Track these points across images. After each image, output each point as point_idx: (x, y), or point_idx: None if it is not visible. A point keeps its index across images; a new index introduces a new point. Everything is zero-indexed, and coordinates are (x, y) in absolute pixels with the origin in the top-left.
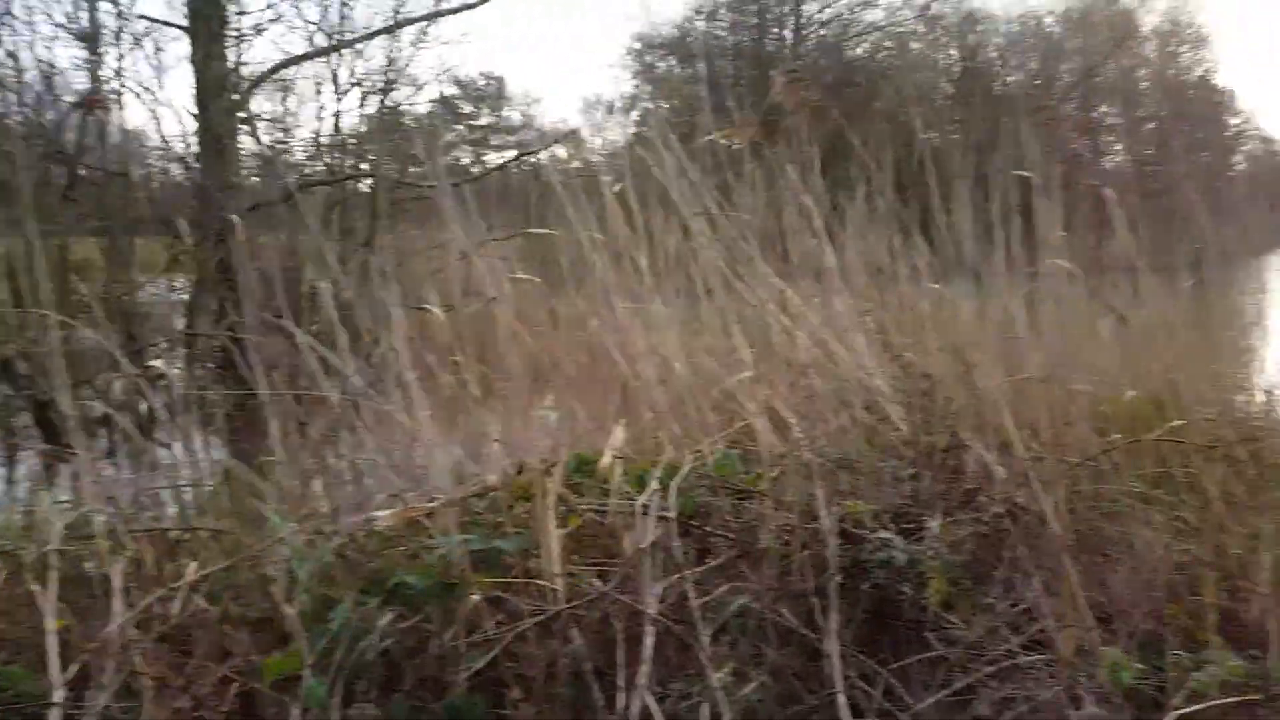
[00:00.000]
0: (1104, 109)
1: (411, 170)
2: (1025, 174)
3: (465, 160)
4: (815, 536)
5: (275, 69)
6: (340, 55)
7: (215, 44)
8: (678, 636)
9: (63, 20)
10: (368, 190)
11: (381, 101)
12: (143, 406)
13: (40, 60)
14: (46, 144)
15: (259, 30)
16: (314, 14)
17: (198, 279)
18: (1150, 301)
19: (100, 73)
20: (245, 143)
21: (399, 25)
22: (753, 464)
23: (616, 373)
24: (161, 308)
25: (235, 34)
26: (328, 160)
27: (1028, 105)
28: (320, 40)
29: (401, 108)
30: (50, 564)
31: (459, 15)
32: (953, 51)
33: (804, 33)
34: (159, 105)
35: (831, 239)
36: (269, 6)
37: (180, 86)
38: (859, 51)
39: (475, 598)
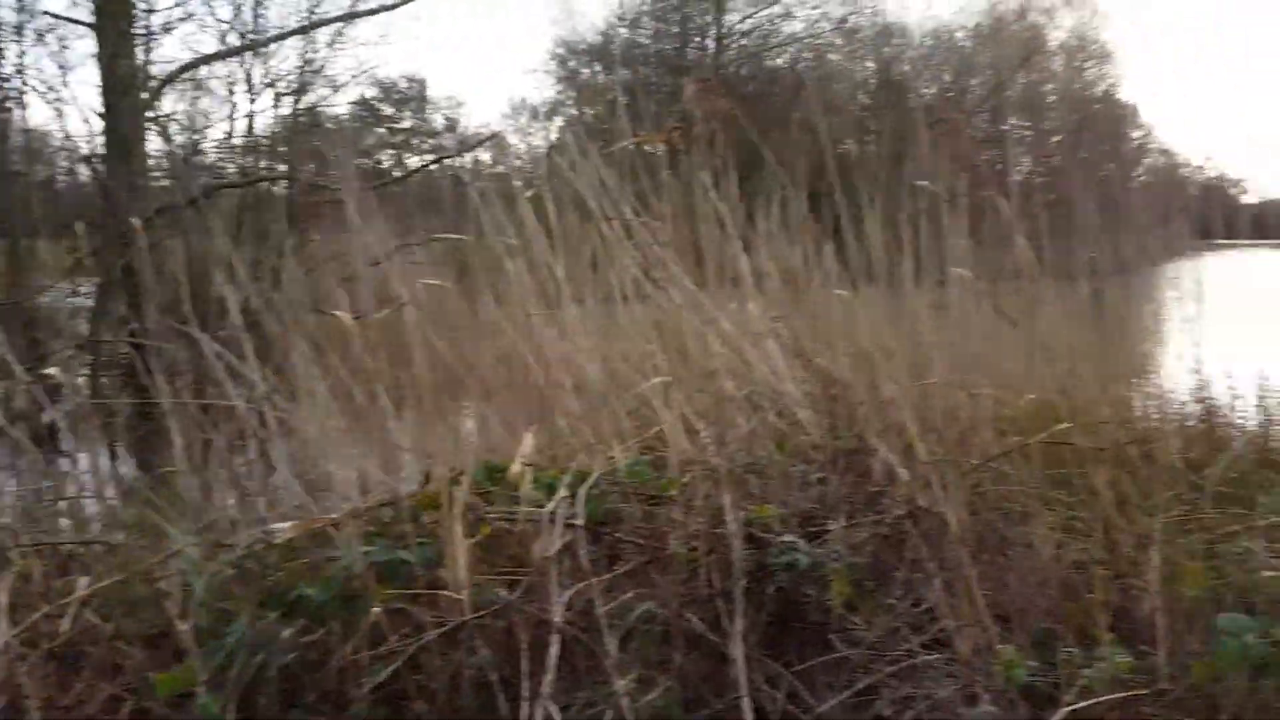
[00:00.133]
0: (1013, 121)
1: (331, 173)
2: (926, 185)
3: (387, 163)
4: (722, 541)
5: (185, 68)
6: (254, 55)
7: (123, 41)
8: (585, 644)
9: None
10: (282, 193)
11: (295, 103)
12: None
13: None
14: None
15: (168, 28)
16: (226, 13)
17: (101, 283)
18: (1048, 308)
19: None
20: (155, 144)
21: (313, 26)
22: (665, 470)
23: (531, 379)
24: (66, 313)
25: (144, 32)
26: (240, 162)
27: (940, 117)
28: (233, 40)
29: (319, 110)
30: None
31: (379, 17)
32: (869, 64)
33: (725, 42)
34: (64, 104)
35: (746, 246)
36: (178, 4)
37: (86, 85)
38: (779, 62)
39: (377, 610)
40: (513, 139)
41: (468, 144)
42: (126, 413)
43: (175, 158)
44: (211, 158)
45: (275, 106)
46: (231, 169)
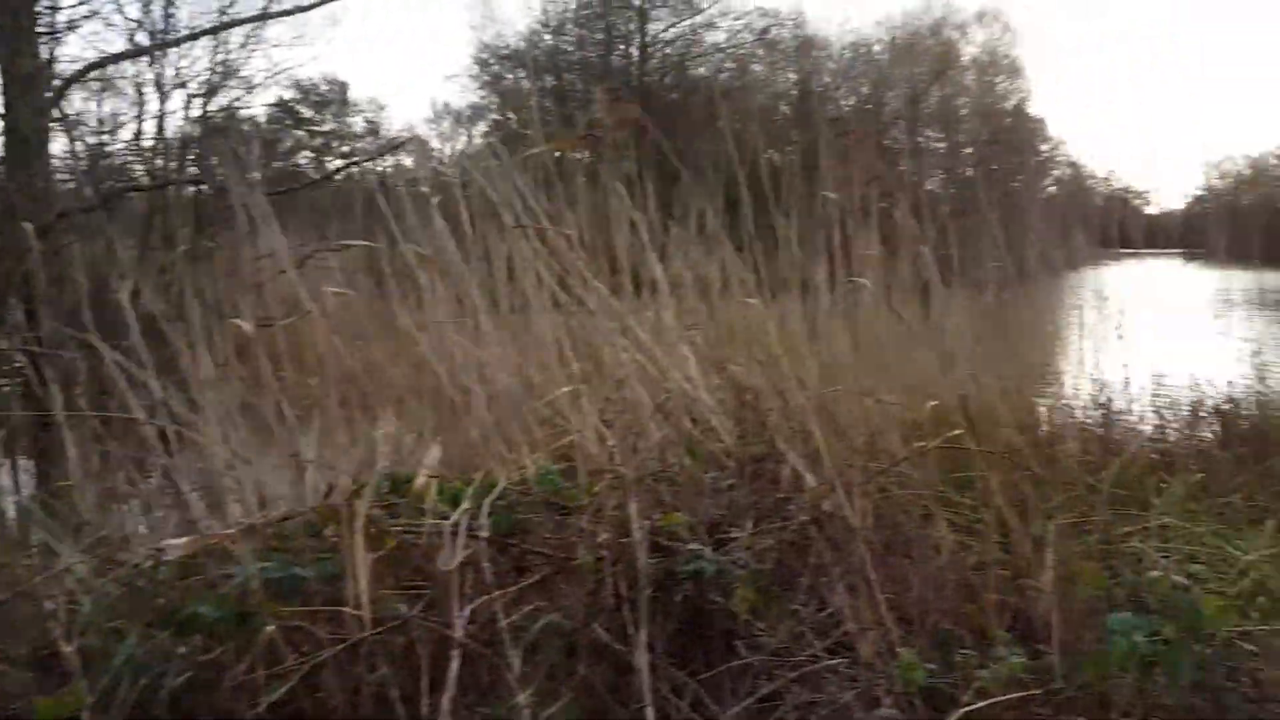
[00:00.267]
0: (929, 134)
1: (239, 177)
2: (832, 196)
3: (306, 166)
4: (628, 550)
5: (91, 68)
6: (164, 55)
7: (24, 37)
8: (488, 659)
9: None
10: (192, 198)
11: (204, 104)
12: None
13: None
14: None
15: (72, 26)
16: (135, 12)
17: None
18: (954, 315)
19: None
20: (60, 145)
21: (225, 26)
22: (576, 478)
23: (441, 389)
24: None
25: (48, 29)
26: (150, 166)
27: (847, 129)
28: (142, 39)
29: (234, 111)
30: None
31: (297, 18)
32: (791, 75)
33: (649, 51)
34: None
35: (663, 254)
36: (82, 2)
37: None
38: (702, 71)
39: (271, 627)
40: (436, 144)
41: (382, 148)
42: (24, 425)
43: (80, 160)
44: (119, 160)
45: (186, 108)
46: (140, 172)
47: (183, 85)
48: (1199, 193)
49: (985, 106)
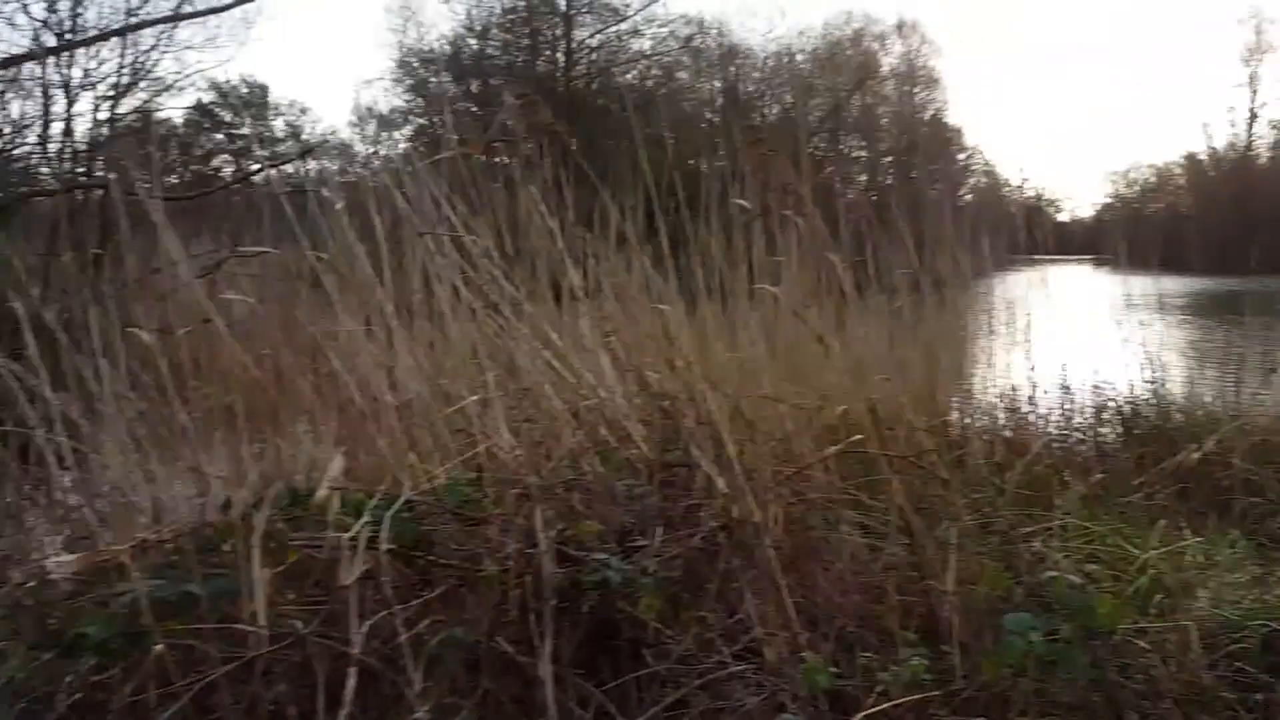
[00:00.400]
0: (851, 142)
1: (146, 181)
2: (744, 204)
3: (226, 171)
4: (534, 561)
5: None
6: (71, 56)
7: None
8: (387, 674)
9: None
10: (101, 202)
11: (113, 107)
12: None
13: None
14: None
15: None
16: (40, 11)
17: None
18: (870, 320)
19: None
20: None
21: (135, 27)
22: (487, 488)
23: (350, 398)
24: None
25: None
26: (56, 169)
27: (759, 136)
28: (48, 39)
29: (149, 114)
30: None
31: (210, 19)
32: (715, 83)
33: (575, 57)
34: None
35: (581, 260)
36: None
37: None
38: (629, 78)
39: (159, 647)
40: (360, 148)
41: (296, 152)
42: None
43: None
44: (25, 163)
45: (96, 110)
46: (47, 175)
47: (92, 87)
48: (1108, 200)
49: (904, 116)
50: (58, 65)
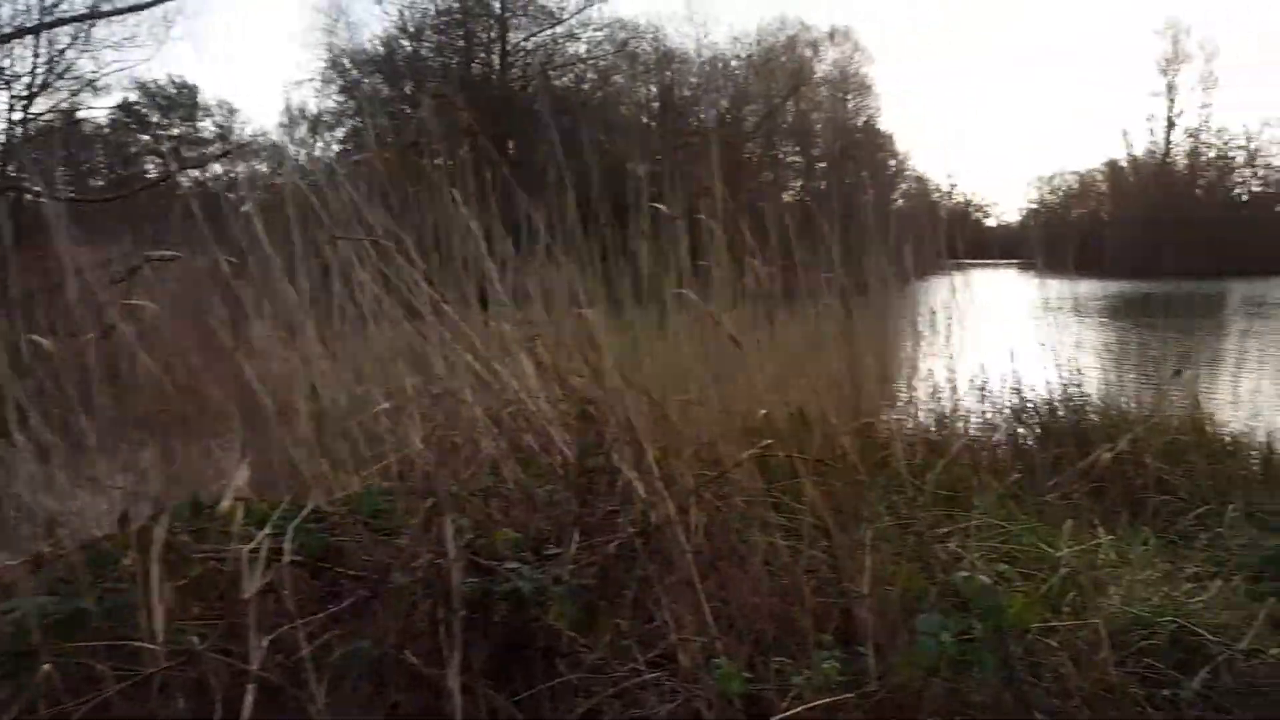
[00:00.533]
0: (786, 148)
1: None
2: (663, 209)
3: (171, 169)
4: (443, 571)
5: None
6: None
7: None
8: (289, 691)
9: None
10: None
11: (26, 106)
12: None
13: None
14: None
15: None
16: None
17: None
18: (799, 325)
19: None
20: None
21: (51, 24)
22: (398, 497)
23: (262, 406)
24: None
25: None
26: None
27: (685, 141)
28: None
29: (70, 113)
30: None
31: (128, 17)
32: (651, 88)
33: (510, 59)
34: None
35: (505, 264)
36: None
37: None
38: (565, 81)
39: (47, 666)
40: (292, 149)
41: (217, 153)
42: None
43: None
44: None
45: (10, 110)
46: None
47: (6, 86)
48: (1033, 206)
49: (837, 122)
50: None
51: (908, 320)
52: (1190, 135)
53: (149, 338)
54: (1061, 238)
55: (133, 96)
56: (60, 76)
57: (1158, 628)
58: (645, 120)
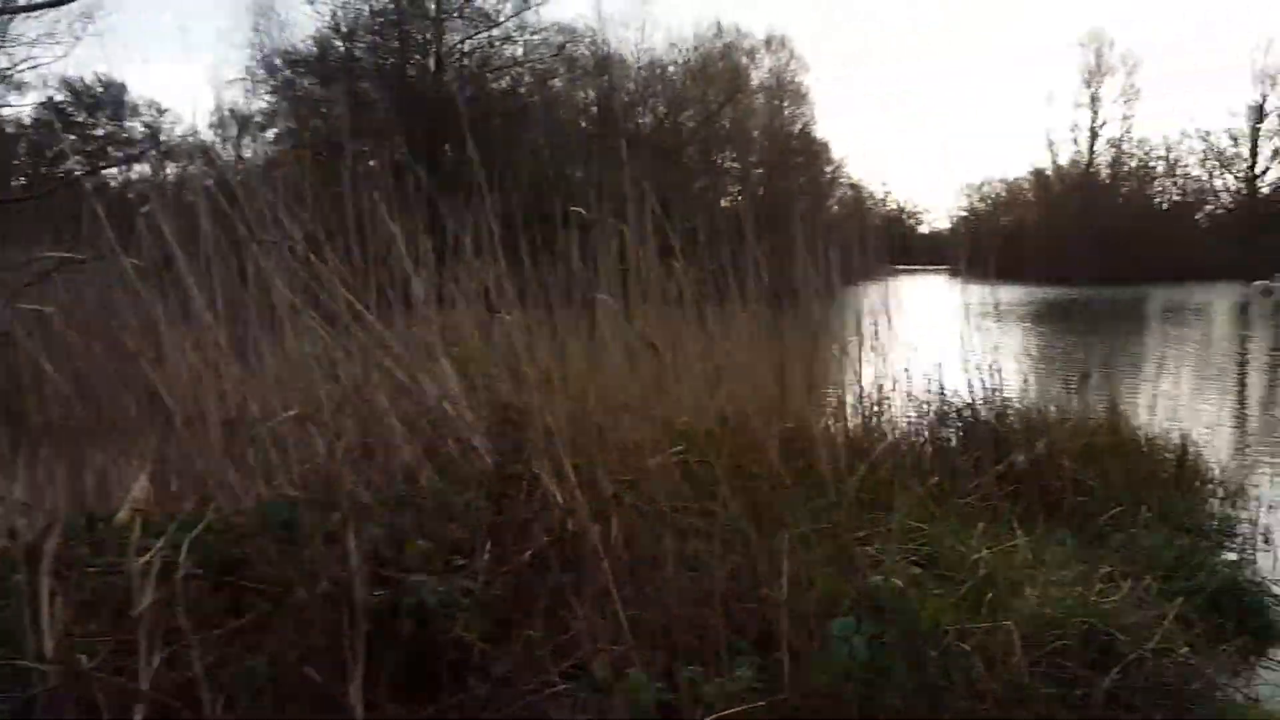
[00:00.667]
0: (723, 154)
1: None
2: (583, 212)
3: (78, 172)
4: (347, 585)
5: None
6: None
7: None
8: (184, 709)
9: None
10: None
11: None
12: None
13: None
14: None
15: None
16: None
17: None
18: (730, 329)
19: None
20: None
21: None
22: (305, 508)
23: (169, 414)
24: None
25: None
26: None
27: (611, 144)
28: None
29: None
30: None
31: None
32: (589, 92)
33: (446, 62)
34: None
35: (429, 268)
36: None
37: None
38: (502, 85)
39: None
40: (223, 150)
41: (130, 155)
42: None
43: None
44: None
45: None
46: None
47: None
48: (963, 214)
49: (773, 129)
50: None
51: (836, 325)
52: (1113, 145)
53: (54, 344)
54: (989, 244)
55: (59, 96)
56: None
57: (1071, 628)
58: (583, 124)
